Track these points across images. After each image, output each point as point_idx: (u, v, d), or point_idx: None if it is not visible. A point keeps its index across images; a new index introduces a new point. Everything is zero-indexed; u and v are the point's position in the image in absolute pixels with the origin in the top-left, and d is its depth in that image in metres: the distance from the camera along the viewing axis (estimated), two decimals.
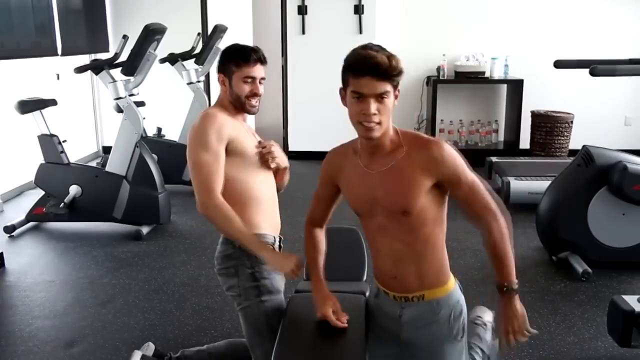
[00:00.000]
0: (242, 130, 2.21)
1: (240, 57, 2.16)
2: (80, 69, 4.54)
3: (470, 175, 1.76)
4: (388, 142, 1.78)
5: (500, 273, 1.79)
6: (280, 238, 2.30)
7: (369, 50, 1.66)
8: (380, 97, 1.67)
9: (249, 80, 2.17)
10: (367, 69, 1.64)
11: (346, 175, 1.89)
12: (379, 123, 1.70)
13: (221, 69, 2.21)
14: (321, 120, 6.85)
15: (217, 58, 2.28)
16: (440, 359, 1.86)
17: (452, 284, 1.90)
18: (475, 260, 3.89)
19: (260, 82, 2.21)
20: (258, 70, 2.19)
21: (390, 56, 1.66)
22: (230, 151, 2.12)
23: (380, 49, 1.68)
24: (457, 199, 1.78)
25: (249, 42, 7.27)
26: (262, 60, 2.20)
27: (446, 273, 1.88)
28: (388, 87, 1.66)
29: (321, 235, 2.09)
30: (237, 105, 2.20)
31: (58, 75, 6.26)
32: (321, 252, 2.06)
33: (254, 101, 2.20)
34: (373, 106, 1.67)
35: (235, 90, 2.18)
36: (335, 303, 1.95)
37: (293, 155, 7.05)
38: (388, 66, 1.64)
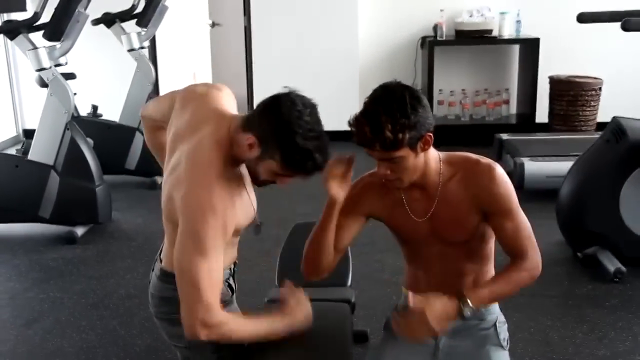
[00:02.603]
0: (243, 205, 1.95)
1: (295, 165, 1.81)
2: None
3: (518, 207, 1.96)
4: (432, 178, 1.97)
5: (479, 289, 1.94)
6: (235, 263, 2.17)
7: (366, 124, 1.80)
8: (389, 161, 1.86)
9: (283, 177, 1.89)
10: (365, 144, 1.83)
11: (389, 211, 2.05)
12: (398, 179, 1.91)
13: (261, 134, 1.82)
14: None
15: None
16: None
17: None
18: None
19: None
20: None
21: (386, 126, 1.77)
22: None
23: (385, 112, 1.78)
24: (497, 232, 1.98)
25: None
26: (316, 172, 1.88)
27: None
28: (395, 154, 1.83)
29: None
30: (248, 170, 1.94)
31: None
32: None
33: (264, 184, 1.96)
34: (384, 168, 1.89)
35: (259, 169, 1.88)
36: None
37: None
38: (380, 142, 1.79)
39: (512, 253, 1.98)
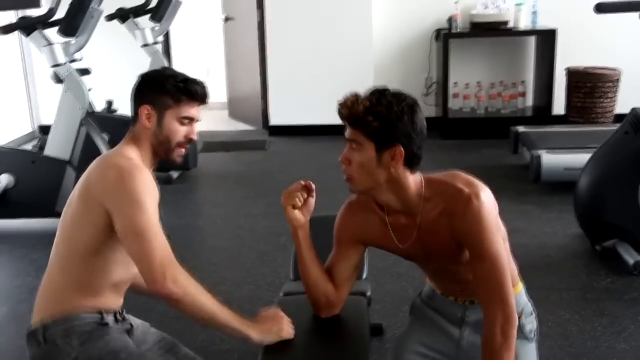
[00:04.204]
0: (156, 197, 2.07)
1: (184, 92, 2.04)
2: (5, 29, 4.47)
3: (494, 247, 1.84)
4: (414, 202, 1.91)
5: None
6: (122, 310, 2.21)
7: (352, 96, 1.86)
8: (352, 145, 1.86)
9: (186, 121, 2.07)
10: (340, 110, 1.87)
11: (374, 235, 2.02)
12: (351, 177, 1.88)
13: (148, 100, 2.07)
14: (308, 89, 6.83)
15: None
16: None
17: (521, 287, 2.09)
18: None
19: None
20: (199, 111, 2.11)
21: (363, 103, 1.81)
22: None
23: (373, 96, 1.83)
24: (470, 269, 1.89)
25: None
26: (205, 98, 2.11)
27: (514, 278, 2.03)
28: (359, 138, 1.83)
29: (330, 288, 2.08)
30: (161, 151, 2.09)
31: None
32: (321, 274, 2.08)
33: (184, 149, 2.12)
34: (345, 153, 1.88)
35: (165, 131, 2.06)
36: None
37: (274, 131, 7.03)
38: (350, 114, 1.83)
39: (480, 300, 1.90)
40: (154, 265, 1.84)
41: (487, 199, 1.85)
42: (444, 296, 2.09)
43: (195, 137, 2.11)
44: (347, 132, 1.86)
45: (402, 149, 1.83)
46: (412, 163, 1.87)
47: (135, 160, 2.01)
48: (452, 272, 2.00)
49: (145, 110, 2.05)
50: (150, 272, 1.84)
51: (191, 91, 2.05)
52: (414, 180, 1.90)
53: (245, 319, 1.95)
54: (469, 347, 2.05)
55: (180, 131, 2.07)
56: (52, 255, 2.13)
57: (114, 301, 2.14)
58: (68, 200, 2.12)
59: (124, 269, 2.09)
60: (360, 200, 2.04)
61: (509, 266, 2.01)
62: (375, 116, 1.80)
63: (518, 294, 2.05)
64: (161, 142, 2.07)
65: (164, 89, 2.04)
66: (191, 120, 2.08)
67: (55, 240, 2.14)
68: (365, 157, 1.84)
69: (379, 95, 1.84)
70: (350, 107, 1.83)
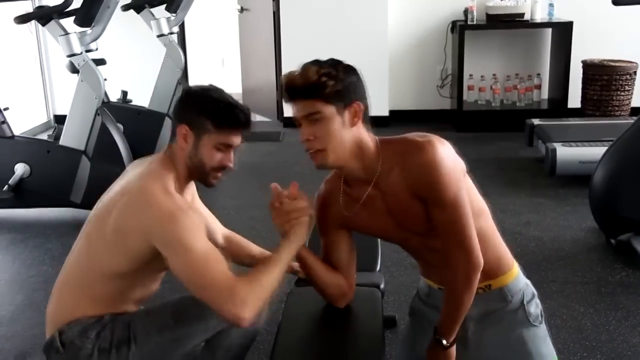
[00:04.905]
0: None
1: (225, 119, 1.98)
2: (22, 19, 4.48)
3: (453, 194, 1.78)
4: (373, 167, 1.85)
5: (442, 322, 1.90)
6: None
7: (296, 71, 1.82)
8: (312, 120, 1.79)
9: (223, 147, 2.02)
10: (289, 92, 1.82)
11: (347, 214, 1.96)
12: (323, 150, 1.80)
13: (187, 119, 2.02)
14: None
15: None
16: (523, 350, 1.94)
17: (517, 269, 2.02)
18: (515, 245, 3.88)
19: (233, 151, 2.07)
20: (239, 138, 2.04)
21: (312, 69, 1.78)
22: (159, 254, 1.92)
23: (317, 63, 1.81)
24: (434, 222, 1.83)
25: None
26: (248, 126, 2.04)
27: (508, 260, 2.00)
28: (319, 107, 1.78)
29: (335, 278, 2.06)
30: (195, 174, 2.06)
31: None
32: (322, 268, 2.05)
33: (220, 174, 2.07)
34: (306, 130, 1.81)
35: (201, 155, 2.01)
36: None
37: (289, 123, 7.02)
38: (304, 83, 1.78)
39: (444, 249, 1.84)
40: (225, 312, 1.81)
41: (442, 147, 1.79)
42: (441, 289, 2.00)
43: (231, 164, 2.05)
44: (299, 109, 1.81)
45: (359, 104, 1.82)
46: (367, 119, 1.86)
47: (175, 197, 1.93)
48: (435, 248, 1.90)
49: (183, 129, 2.01)
50: (229, 317, 1.81)
51: (232, 119, 1.99)
52: (372, 140, 1.87)
53: (278, 249, 1.92)
54: (476, 347, 1.97)
55: (215, 157, 2.01)
56: (68, 268, 2.13)
57: (133, 309, 2.16)
58: (92, 216, 2.11)
59: (144, 289, 2.14)
60: (328, 184, 2.01)
61: (502, 247, 1.99)
62: (329, 76, 1.78)
63: (515, 278, 1.99)
64: (195, 165, 2.03)
65: (205, 112, 1.99)
66: (229, 147, 2.03)
67: (73, 254, 2.13)
68: (331, 124, 1.79)
69: (319, 61, 1.83)
70: (303, 76, 1.79)
